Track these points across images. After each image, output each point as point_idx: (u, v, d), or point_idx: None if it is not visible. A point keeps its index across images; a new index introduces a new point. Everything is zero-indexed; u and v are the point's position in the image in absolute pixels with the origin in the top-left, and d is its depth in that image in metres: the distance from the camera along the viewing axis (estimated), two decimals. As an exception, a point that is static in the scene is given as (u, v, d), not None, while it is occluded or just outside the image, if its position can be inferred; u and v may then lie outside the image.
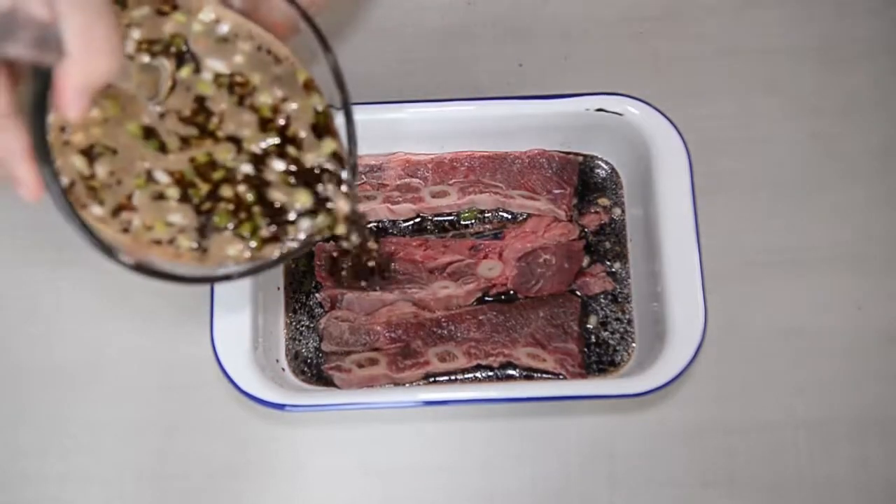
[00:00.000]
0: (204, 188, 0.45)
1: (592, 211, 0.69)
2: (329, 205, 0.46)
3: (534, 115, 0.65)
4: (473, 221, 0.69)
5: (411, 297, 0.66)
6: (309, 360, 0.67)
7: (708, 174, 0.68)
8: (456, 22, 0.76)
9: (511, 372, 0.66)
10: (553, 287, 0.67)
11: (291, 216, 0.46)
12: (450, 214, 0.69)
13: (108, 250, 0.41)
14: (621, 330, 0.67)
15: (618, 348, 0.66)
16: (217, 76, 0.46)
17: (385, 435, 0.67)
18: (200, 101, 0.46)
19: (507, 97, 0.65)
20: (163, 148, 0.45)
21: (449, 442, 0.67)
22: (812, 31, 0.75)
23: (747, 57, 0.74)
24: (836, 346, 0.68)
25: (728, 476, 0.66)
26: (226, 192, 0.45)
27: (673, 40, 0.75)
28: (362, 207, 0.67)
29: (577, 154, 0.69)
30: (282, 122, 0.46)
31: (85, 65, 0.35)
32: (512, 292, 0.67)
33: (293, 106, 0.47)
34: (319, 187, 0.46)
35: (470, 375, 0.66)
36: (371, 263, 0.57)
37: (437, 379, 0.65)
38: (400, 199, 0.68)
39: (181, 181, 0.45)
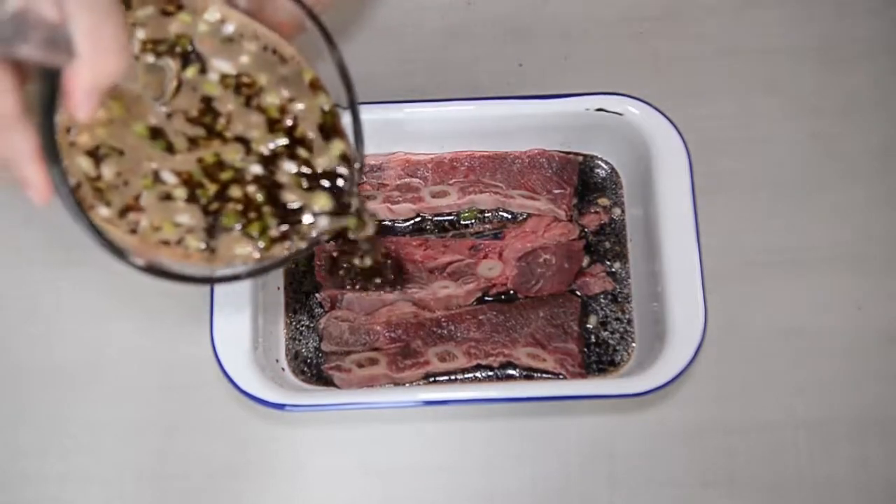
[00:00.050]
0: (212, 188, 0.45)
1: (592, 211, 0.69)
2: (350, 207, 0.46)
3: (534, 114, 0.65)
4: (473, 221, 0.69)
5: (411, 297, 0.66)
6: (309, 360, 0.67)
7: (708, 174, 0.68)
8: (456, 22, 0.76)
9: (511, 372, 0.66)
10: (553, 287, 0.67)
11: (307, 218, 0.46)
12: (450, 214, 0.69)
13: (117, 252, 0.41)
14: (621, 330, 0.67)
15: (618, 348, 0.66)
16: (223, 77, 0.46)
17: (385, 435, 0.67)
18: (207, 101, 0.46)
19: (507, 97, 0.65)
20: (170, 148, 0.45)
21: (449, 442, 0.67)
22: (812, 31, 0.75)
23: (747, 57, 0.74)
24: (836, 346, 0.68)
25: (728, 476, 0.66)
26: (234, 192, 0.45)
27: (673, 40, 0.75)
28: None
29: (577, 154, 0.69)
30: (289, 122, 0.46)
31: (94, 65, 0.35)
32: (512, 292, 0.67)
33: (300, 106, 0.47)
34: (337, 187, 0.46)
35: (470, 375, 0.66)
36: (386, 264, 0.57)
37: (437, 379, 0.65)
38: (400, 198, 0.68)
39: (189, 182, 0.45)
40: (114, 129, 0.44)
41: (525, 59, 0.75)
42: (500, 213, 0.70)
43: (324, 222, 0.46)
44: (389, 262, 0.61)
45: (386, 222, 0.69)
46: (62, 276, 0.70)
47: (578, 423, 0.67)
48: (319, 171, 0.46)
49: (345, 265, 0.61)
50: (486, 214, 0.69)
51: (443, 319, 0.65)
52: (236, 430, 0.67)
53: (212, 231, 0.44)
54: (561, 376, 0.65)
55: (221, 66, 0.46)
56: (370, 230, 0.49)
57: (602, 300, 0.67)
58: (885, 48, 0.74)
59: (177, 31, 0.46)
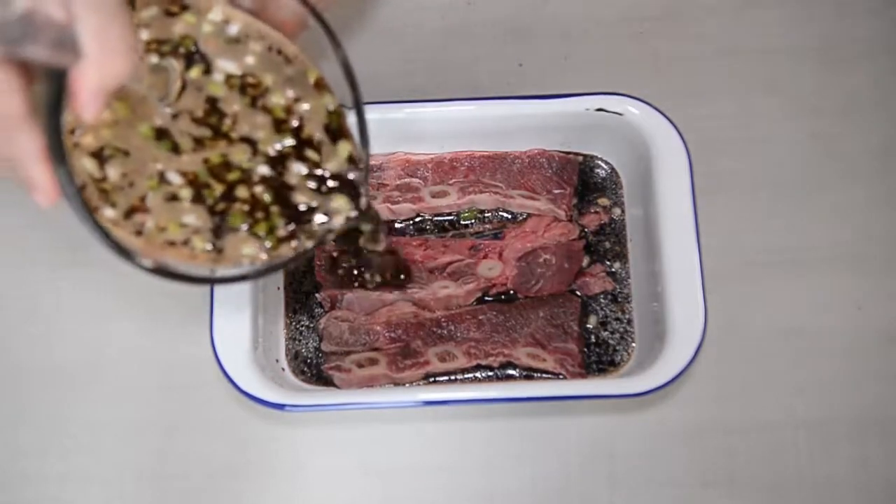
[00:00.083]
0: (218, 189, 0.45)
1: (592, 211, 0.69)
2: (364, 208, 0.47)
3: (534, 114, 0.65)
4: (473, 221, 0.69)
5: (411, 297, 0.66)
6: (309, 360, 0.67)
7: (708, 174, 0.68)
8: (456, 22, 0.76)
9: (511, 372, 0.66)
10: (553, 287, 0.67)
11: (320, 218, 0.46)
12: (450, 214, 0.69)
13: (124, 253, 0.40)
14: (621, 330, 0.67)
15: (618, 348, 0.66)
16: (229, 77, 0.46)
17: (385, 435, 0.67)
18: (213, 102, 0.46)
19: (507, 97, 0.65)
20: (176, 149, 0.44)
21: (449, 442, 0.67)
22: (812, 31, 0.75)
23: (747, 57, 0.74)
24: (836, 346, 0.68)
25: (728, 476, 0.66)
26: (241, 192, 0.45)
27: (673, 40, 0.75)
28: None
29: (577, 154, 0.69)
30: (295, 123, 0.46)
31: (100, 66, 0.35)
32: (512, 292, 0.67)
33: (305, 106, 0.47)
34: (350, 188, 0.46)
35: (470, 375, 0.66)
36: (391, 264, 0.57)
37: (437, 379, 0.65)
38: (400, 198, 0.68)
39: (194, 182, 0.44)
40: (119, 130, 0.44)
41: (525, 59, 0.75)
42: (500, 213, 0.70)
43: (338, 222, 0.46)
44: (396, 261, 0.61)
45: (386, 222, 0.69)
46: (62, 276, 0.70)
47: (578, 423, 0.67)
48: (329, 173, 0.46)
49: (344, 265, 0.61)
50: (486, 214, 0.69)
51: (443, 319, 0.65)
52: (236, 430, 0.67)
53: (218, 231, 0.44)
54: (561, 376, 0.65)
55: (227, 66, 0.46)
56: (382, 239, 0.49)
57: (602, 300, 0.67)
58: (885, 48, 0.74)
59: (181, 32, 0.45)
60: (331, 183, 0.46)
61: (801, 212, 0.71)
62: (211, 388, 0.67)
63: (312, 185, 0.46)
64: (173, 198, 0.44)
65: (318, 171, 0.46)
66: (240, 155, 0.45)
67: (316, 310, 0.68)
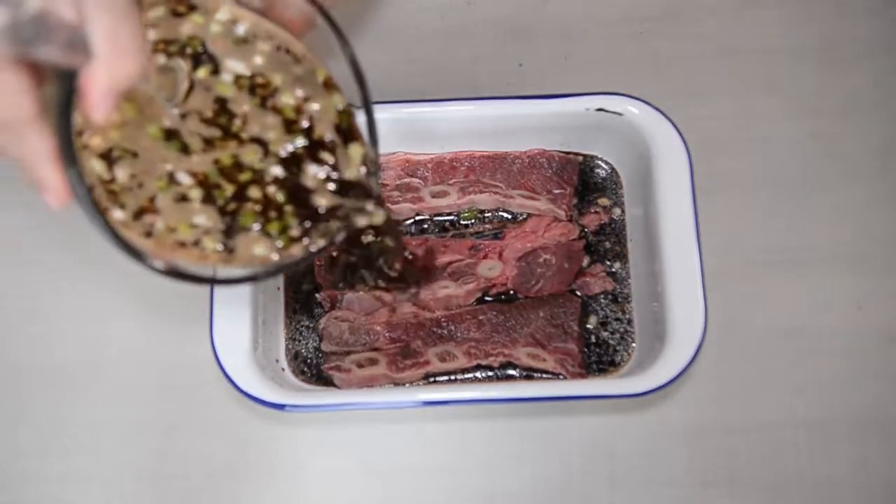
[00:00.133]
0: (229, 189, 0.45)
1: (592, 211, 0.69)
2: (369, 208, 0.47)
3: (534, 114, 0.65)
4: (473, 221, 0.69)
5: (411, 297, 0.66)
6: (309, 360, 0.67)
7: (708, 174, 0.68)
8: (456, 22, 0.76)
9: (511, 372, 0.66)
10: (553, 287, 0.67)
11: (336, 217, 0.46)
12: (450, 214, 0.69)
13: (135, 254, 0.40)
14: (621, 330, 0.67)
15: (618, 348, 0.66)
16: (237, 77, 0.46)
17: (385, 435, 0.67)
18: (222, 102, 0.45)
19: (507, 97, 0.65)
20: (185, 149, 0.44)
21: (449, 442, 0.67)
22: (812, 31, 0.75)
23: (747, 57, 0.74)
24: (836, 346, 0.68)
25: (728, 476, 0.66)
26: (253, 192, 0.45)
27: (673, 40, 0.75)
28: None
29: (577, 154, 0.69)
30: (305, 123, 0.46)
31: (111, 66, 0.35)
32: (512, 292, 0.67)
33: (315, 106, 0.47)
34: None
35: (470, 375, 0.66)
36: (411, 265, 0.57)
37: (437, 379, 0.65)
38: (400, 198, 0.68)
39: (204, 182, 0.44)
40: (127, 131, 0.44)
41: (525, 59, 0.75)
42: (500, 213, 0.70)
43: (362, 221, 0.46)
44: (414, 262, 0.61)
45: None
46: (62, 276, 0.70)
47: (579, 423, 0.67)
48: (345, 176, 0.46)
49: (347, 267, 0.61)
50: (486, 214, 0.69)
51: (443, 319, 0.65)
52: (236, 430, 0.67)
53: (229, 231, 0.44)
54: (561, 376, 0.65)
55: (235, 66, 0.46)
56: (399, 238, 0.50)
57: (602, 300, 0.67)
58: (885, 48, 0.74)
59: (188, 33, 0.45)
60: (345, 185, 0.46)
61: (802, 211, 0.71)
62: (211, 388, 0.67)
63: (332, 186, 0.46)
64: (183, 198, 0.44)
65: (333, 174, 0.46)
66: (251, 155, 0.45)
67: (316, 310, 0.68)
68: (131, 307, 0.70)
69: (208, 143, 0.45)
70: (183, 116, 0.45)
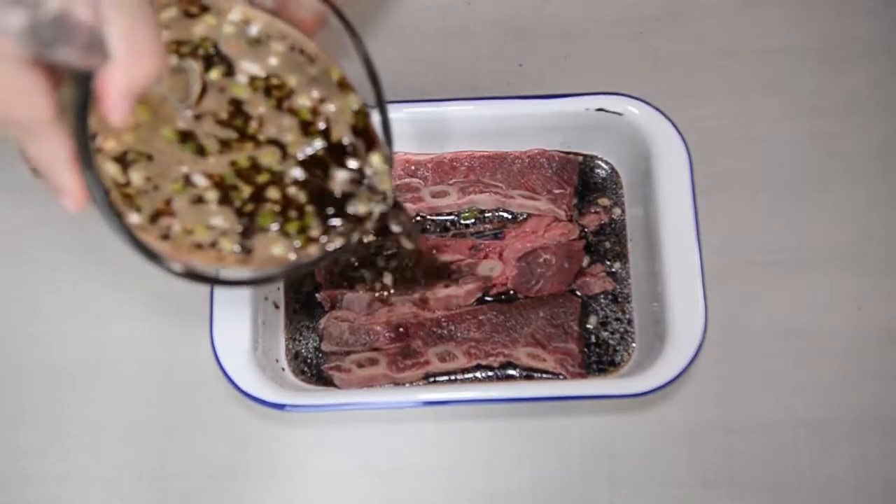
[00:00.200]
0: (246, 190, 0.45)
1: (592, 211, 0.69)
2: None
3: (534, 114, 0.65)
4: (473, 221, 0.69)
5: (411, 297, 0.66)
6: (309, 360, 0.67)
7: (708, 174, 0.68)
8: (456, 22, 0.76)
9: (511, 372, 0.66)
10: (553, 287, 0.67)
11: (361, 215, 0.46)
12: (450, 214, 0.69)
13: (154, 257, 0.40)
14: (621, 330, 0.67)
15: (618, 348, 0.66)
16: (252, 79, 0.46)
17: (385, 435, 0.67)
18: (237, 104, 0.45)
19: (507, 97, 0.65)
20: (201, 151, 0.44)
21: (449, 442, 0.67)
22: (812, 31, 0.75)
23: (747, 57, 0.74)
24: (836, 346, 0.68)
25: (728, 476, 0.66)
26: (272, 193, 0.45)
27: (673, 40, 0.75)
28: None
29: (577, 154, 0.69)
30: (322, 125, 0.46)
31: (128, 67, 0.35)
32: (512, 292, 0.67)
33: (331, 108, 0.47)
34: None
35: (470, 375, 0.66)
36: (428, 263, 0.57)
37: (437, 379, 0.65)
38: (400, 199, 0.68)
39: (220, 184, 0.44)
40: (141, 134, 0.43)
41: (525, 59, 0.75)
42: (500, 213, 0.70)
43: (373, 219, 0.46)
44: (432, 261, 0.61)
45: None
46: (62, 276, 0.70)
47: (579, 423, 0.67)
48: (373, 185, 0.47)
49: (354, 269, 0.61)
50: (486, 214, 0.69)
51: (443, 319, 0.65)
52: (236, 430, 0.67)
53: (247, 232, 0.44)
54: (561, 376, 0.65)
55: (250, 68, 0.46)
56: (416, 236, 0.50)
57: (602, 300, 0.67)
58: (885, 48, 0.74)
59: (201, 34, 0.45)
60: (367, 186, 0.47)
61: (802, 211, 0.71)
62: (211, 388, 0.67)
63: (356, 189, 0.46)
64: (199, 200, 0.44)
65: (356, 177, 0.46)
66: (269, 157, 0.45)
67: (316, 310, 0.68)
68: (131, 307, 0.70)
69: (224, 145, 0.45)
70: (198, 118, 0.45)
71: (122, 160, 0.43)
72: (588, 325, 0.67)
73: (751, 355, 0.68)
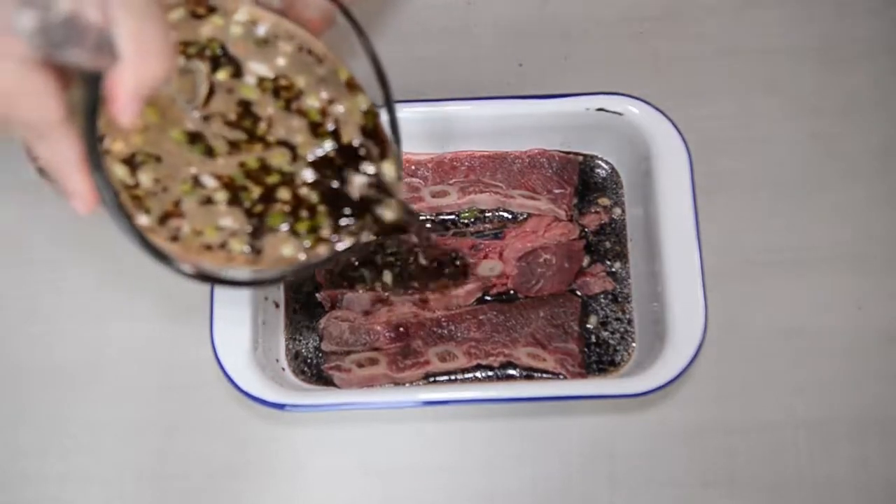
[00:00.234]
0: (256, 191, 0.44)
1: (593, 211, 0.69)
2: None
3: (534, 114, 0.65)
4: (474, 221, 0.69)
5: (412, 296, 0.66)
6: (309, 360, 0.67)
7: (708, 174, 0.68)
8: (456, 22, 0.76)
9: (511, 372, 0.66)
10: (553, 287, 0.67)
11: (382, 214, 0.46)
12: (450, 214, 0.69)
13: (164, 258, 0.40)
14: (621, 330, 0.67)
15: (618, 348, 0.66)
16: (261, 80, 0.46)
17: (385, 435, 0.67)
18: (245, 105, 0.45)
19: (507, 97, 0.65)
20: (210, 152, 0.44)
21: (449, 442, 0.67)
22: (812, 31, 0.75)
23: (747, 57, 0.74)
24: (836, 346, 0.68)
25: (728, 476, 0.66)
26: (283, 194, 0.45)
27: (673, 40, 0.75)
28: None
29: (577, 154, 0.69)
30: (331, 126, 0.46)
31: (137, 68, 0.35)
32: (512, 292, 0.67)
33: (340, 109, 0.46)
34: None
35: (470, 375, 0.66)
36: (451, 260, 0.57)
37: (437, 379, 0.65)
38: (400, 198, 0.68)
39: (230, 185, 0.44)
40: (149, 136, 0.43)
41: (525, 59, 0.75)
42: (501, 213, 0.70)
43: (389, 216, 0.47)
44: (454, 258, 0.61)
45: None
46: (62, 276, 0.70)
47: (579, 423, 0.67)
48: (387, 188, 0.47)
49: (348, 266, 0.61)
50: (487, 214, 0.69)
51: (443, 319, 0.65)
52: (236, 430, 0.67)
53: (256, 233, 0.44)
54: (561, 376, 0.65)
55: (258, 68, 0.46)
56: (429, 235, 0.50)
57: (602, 300, 0.67)
58: (885, 48, 0.74)
59: (208, 35, 0.45)
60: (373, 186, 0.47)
61: (802, 211, 0.71)
62: (211, 388, 0.67)
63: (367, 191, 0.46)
64: (208, 201, 0.44)
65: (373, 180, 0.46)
66: (278, 158, 0.45)
67: (316, 310, 0.68)
68: (131, 307, 0.69)
69: (233, 146, 0.45)
70: (206, 119, 0.44)
71: (131, 162, 0.43)
72: (588, 325, 0.67)
73: (751, 355, 0.68)
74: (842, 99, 0.73)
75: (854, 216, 0.70)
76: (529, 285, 0.67)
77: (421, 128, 0.66)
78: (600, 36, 0.75)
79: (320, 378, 0.66)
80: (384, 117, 0.48)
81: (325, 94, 0.46)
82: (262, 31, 0.46)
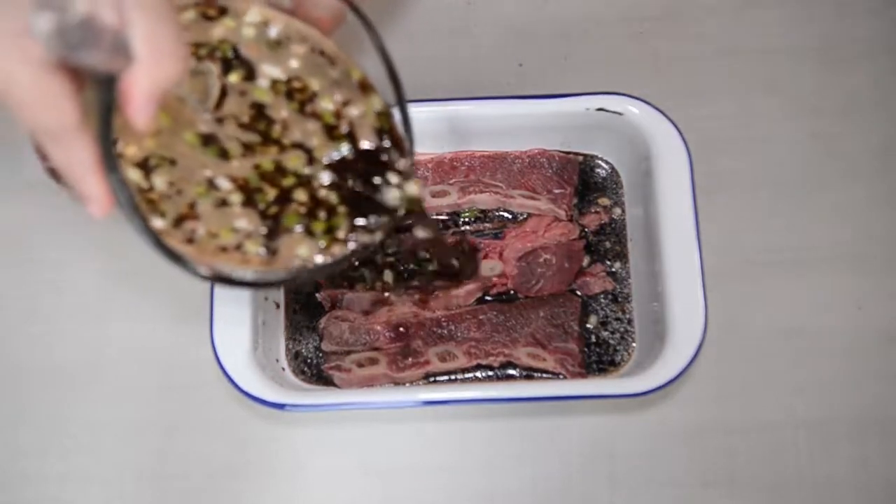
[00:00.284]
0: (271, 193, 0.44)
1: (593, 211, 0.69)
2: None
3: (534, 114, 0.65)
4: (473, 221, 0.69)
5: (412, 296, 0.66)
6: (309, 360, 0.67)
7: (708, 174, 0.68)
8: (456, 22, 0.76)
9: (511, 372, 0.66)
10: (553, 287, 0.67)
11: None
12: (450, 214, 0.69)
13: (180, 260, 0.40)
14: (621, 330, 0.67)
15: (618, 348, 0.66)
16: (274, 82, 0.45)
17: (385, 435, 0.67)
18: (259, 108, 0.45)
19: (507, 97, 0.65)
20: (224, 154, 0.44)
21: (449, 442, 0.67)
22: (812, 31, 0.75)
23: (747, 57, 0.74)
24: (836, 346, 0.68)
25: (728, 476, 0.66)
26: (300, 195, 0.45)
27: (673, 40, 0.75)
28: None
29: (577, 154, 0.69)
30: (346, 129, 0.46)
31: (152, 69, 0.35)
32: (512, 292, 0.67)
33: (355, 111, 0.46)
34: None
35: (470, 375, 0.66)
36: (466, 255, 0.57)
37: (438, 379, 0.65)
38: (400, 198, 0.68)
39: (244, 187, 0.44)
40: (162, 139, 0.43)
41: (525, 59, 0.75)
42: (501, 213, 0.70)
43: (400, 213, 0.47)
44: (465, 253, 0.61)
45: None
46: (62, 276, 0.70)
47: (579, 423, 0.67)
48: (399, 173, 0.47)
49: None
50: (487, 214, 0.69)
51: (443, 319, 0.65)
52: (236, 430, 0.67)
53: (272, 234, 0.44)
54: (561, 376, 0.65)
55: (271, 71, 0.45)
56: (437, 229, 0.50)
57: (602, 300, 0.67)
58: (885, 48, 0.74)
59: (220, 36, 0.45)
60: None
61: (802, 211, 0.71)
62: (211, 388, 0.67)
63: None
64: (223, 203, 0.44)
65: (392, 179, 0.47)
66: (294, 161, 0.45)
67: (316, 309, 0.68)
68: (131, 307, 0.69)
69: (247, 149, 0.44)
70: (219, 121, 0.44)
71: (144, 166, 0.43)
72: (588, 325, 0.67)
73: (751, 355, 0.68)
74: (842, 99, 0.73)
75: (854, 216, 0.70)
76: (529, 285, 0.67)
77: (421, 128, 0.65)
78: (600, 36, 0.75)
79: (320, 378, 0.66)
80: (396, 116, 0.48)
81: (338, 97, 0.46)
82: (274, 32, 0.46)
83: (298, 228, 0.44)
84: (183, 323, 0.68)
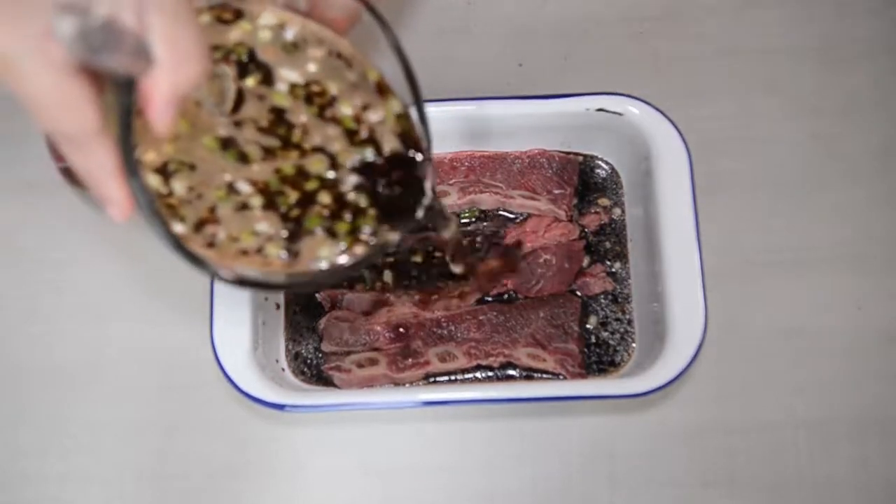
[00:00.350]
0: (293, 196, 0.44)
1: (593, 211, 0.69)
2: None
3: (534, 114, 0.65)
4: (473, 221, 0.69)
5: (412, 296, 0.66)
6: (309, 360, 0.67)
7: (708, 174, 0.68)
8: (456, 22, 0.76)
9: (511, 372, 0.66)
10: (553, 287, 0.67)
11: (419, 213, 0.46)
12: (450, 214, 0.69)
13: (201, 264, 0.40)
14: (621, 330, 0.67)
15: (618, 348, 0.66)
16: (292, 87, 0.45)
17: (385, 435, 0.67)
18: (278, 112, 0.45)
19: (507, 97, 0.65)
20: (243, 158, 0.44)
21: (449, 442, 0.67)
22: (812, 31, 0.75)
23: (747, 57, 0.74)
24: (836, 346, 0.68)
25: (728, 476, 0.66)
26: (324, 198, 0.45)
27: (673, 40, 0.75)
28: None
29: (577, 154, 0.69)
30: (365, 134, 0.46)
31: (172, 72, 0.35)
32: (512, 292, 0.67)
33: (374, 117, 0.46)
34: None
35: (470, 375, 0.66)
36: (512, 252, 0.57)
37: (437, 379, 0.65)
38: (400, 199, 0.68)
39: (265, 190, 0.44)
40: (181, 144, 0.43)
41: (525, 59, 0.75)
42: (500, 213, 0.69)
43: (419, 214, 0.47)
44: (511, 250, 0.61)
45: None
46: (62, 276, 0.70)
47: (579, 423, 0.67)
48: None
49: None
50: (487, 214, 0.69)
51: (443, 319, 0.65)
52: (236, 430, 0.67)
53: (293, 236, 0.44)
54: (561, 376, 0.65)
55: (289, 75, 0.45)
56: (452, 228, 0.50)
57: (602, 300, 0.67)
58: (885, 48, 0.74)
59: (236, 40, 0.45)
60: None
61: (802, 211, 0.71)
62: (211, 388, 0.67)
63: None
64: (244, 206, 0.44)
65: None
66: (317, 165, 0.45)
67: (316, 310, 0.68)
68: (131, 307, 0.70)
69: (268, 153, 0.44)
70: (238, 125, 0.44)
71: (163, 171, 0.43)
72: (588, 326, 0.67)
73: (751, 355, 0.68)
74: (842, 99, 0.73)
75: (854, 216, 0.70)
76: (529, 285, 0.67)
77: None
78: (600, 36, 0.75)
79: (320, 378, 0.66)
80: (418, 116, 0.48)
81: (357, 101, 0.46)
82: (290, 35, 0.46)
83: (319, 230, 0.44)
84: (183, 323, 0.68)
